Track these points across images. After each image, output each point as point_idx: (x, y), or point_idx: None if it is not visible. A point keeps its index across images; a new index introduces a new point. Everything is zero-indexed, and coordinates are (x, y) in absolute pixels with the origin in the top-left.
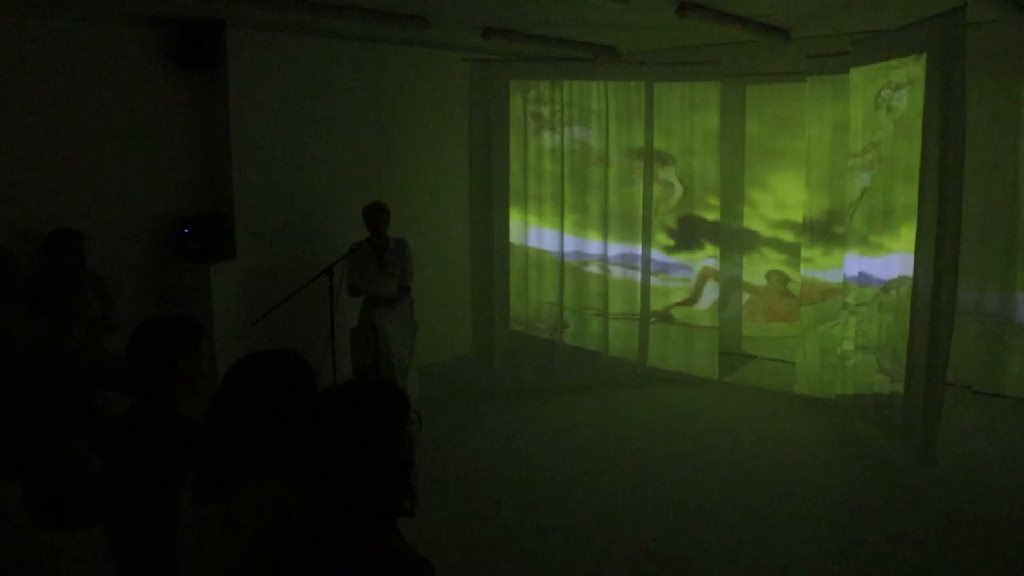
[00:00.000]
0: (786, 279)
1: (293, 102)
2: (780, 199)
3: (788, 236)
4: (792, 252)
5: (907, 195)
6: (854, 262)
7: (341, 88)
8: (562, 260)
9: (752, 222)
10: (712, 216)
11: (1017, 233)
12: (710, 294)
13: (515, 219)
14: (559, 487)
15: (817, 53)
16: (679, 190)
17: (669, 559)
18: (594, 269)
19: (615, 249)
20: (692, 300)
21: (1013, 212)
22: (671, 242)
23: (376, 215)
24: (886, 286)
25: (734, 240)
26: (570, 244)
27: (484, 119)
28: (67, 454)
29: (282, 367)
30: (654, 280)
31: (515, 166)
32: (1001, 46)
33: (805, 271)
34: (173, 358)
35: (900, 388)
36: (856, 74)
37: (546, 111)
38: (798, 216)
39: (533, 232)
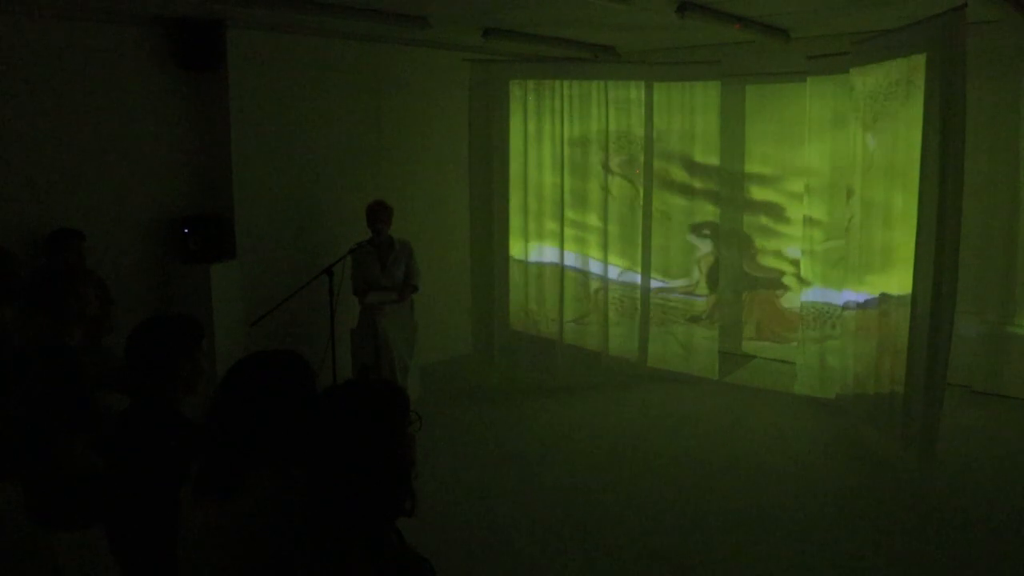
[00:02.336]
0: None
1: (293, 102)
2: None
3: (790, 236)
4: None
5: (906, 201)
6: (852, 288)
7: (341, 88)
8: (562, 257)
9: (751, 222)
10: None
11: (1018, 232)
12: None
13: (515, 219)
14: (559, 487)
15: (817, 53)
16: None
17: (669, 558)
18: (595, 269)
19: (615, 247)
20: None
21: (1013, 211)
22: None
23: (374, 214)
24: (885, 299)
25: (733, 239)
26: (571, 243)
27: (484, 119)
28: (67, 454)
29: (282, 367)
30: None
31: (515, 166)
32: (1001, 46)
33: (804, 294)
34: (173, 357)
35: (900, 388)
36: (856, 74)
37: (546, 111)
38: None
39: (533, 231)
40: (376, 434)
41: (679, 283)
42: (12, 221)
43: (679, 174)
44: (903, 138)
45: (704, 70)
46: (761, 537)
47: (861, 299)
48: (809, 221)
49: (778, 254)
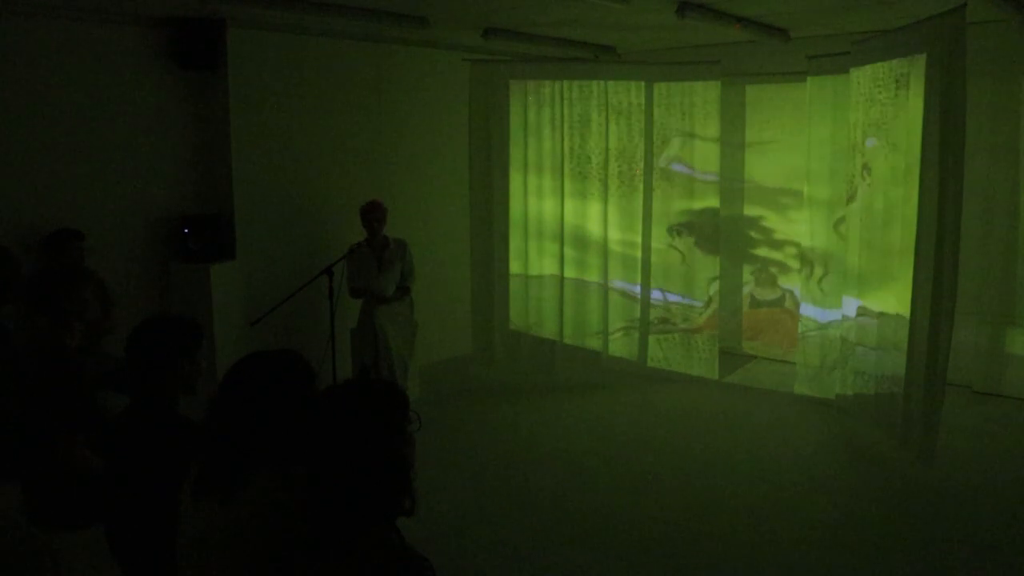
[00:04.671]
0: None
1: (293, 102)
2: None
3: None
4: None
5: (906, 200)
6: (851, 299)
7: (341, 88)
8: (562, 259)
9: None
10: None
11: (1018, 232)
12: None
13: (515, 218)
14: (558, 487)
15: (817, 53)
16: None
17: (669, 558)
18: (595, 271)
19: (616, 248)
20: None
21: (1013, 211)
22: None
23: (368, 214)
24: (885, 310)
25: (734, 241)
26: (570, 245)
27: (484, 119)
28: (67, 454)
29: (282, 367)
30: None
31: (515, 166)
32: (1001, 46)
33: (804, 307)
34: (172, 358)
35: (900, 388)
36: (856, 74)
37: (546, 111)
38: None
39: (533, 231)
40: (376, 434)
41: (692, 302)
42: (12, 221)
43: (680, 181)
44: (903, 138)
45: (704, 70)
46: (760, 537)
47: (859, 309)
48: (810, 223)
49: (785, 275)
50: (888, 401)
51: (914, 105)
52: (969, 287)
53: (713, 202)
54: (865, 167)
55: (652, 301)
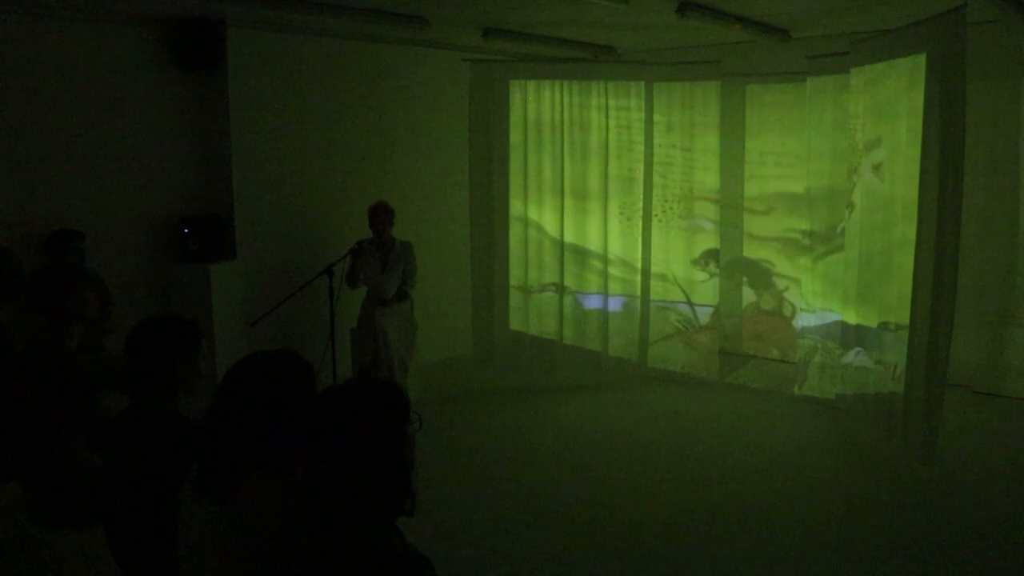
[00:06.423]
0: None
1: (293, 102)
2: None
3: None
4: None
5: (905, 201)
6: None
7: (341, 88)
8: (562, 259)
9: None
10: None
11: (1018, 232)
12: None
13: (515, 218)
14: (559, 487)
15: (817, 53)
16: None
17: (669, 558)
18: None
19: (615, 250)
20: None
21: (1013, 209)
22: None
23: (374, 215)
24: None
25: (733, 239)
26: (570, 246)
27: (484, 119)
28: (67, 454)
29: (282, 367)
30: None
31: (515, 166)
32: (1001, 46)
33: (803, 318)
34: (172, 358)
35: (900, 388)
36: (856, 75)
37: (546, 111)
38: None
39: (533, 231)
40: (376, 434)
41: (704, 308)
42: (12, 221)
43: (679, 182)
44: (903, 138)
45: (704, 70)
46: (761, 536)
47: (858, 315)
48: (810, 234)
49: (787, 286)
50: (888, 401)
51: (913, 105)
52: (969, 287)
53: (715, 244)
54: (867, 167)
55: (678, 309)
